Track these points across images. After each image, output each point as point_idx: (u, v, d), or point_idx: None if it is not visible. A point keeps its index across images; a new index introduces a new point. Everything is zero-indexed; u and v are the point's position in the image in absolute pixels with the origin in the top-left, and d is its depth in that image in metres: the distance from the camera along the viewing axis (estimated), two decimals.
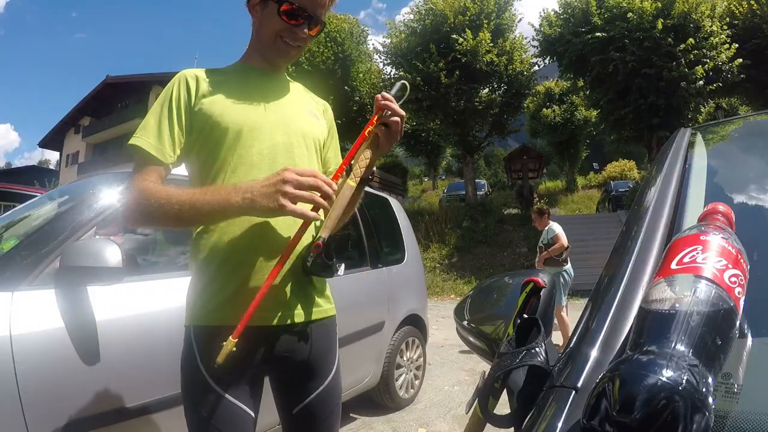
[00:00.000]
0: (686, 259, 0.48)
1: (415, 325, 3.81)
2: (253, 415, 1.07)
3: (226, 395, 1.03)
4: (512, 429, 0.59)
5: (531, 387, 0.57)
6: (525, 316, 0.68)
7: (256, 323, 1.05)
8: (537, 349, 0.56)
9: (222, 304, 1.05)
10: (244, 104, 1.13)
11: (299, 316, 1.11)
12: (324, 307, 1.18)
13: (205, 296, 1.07)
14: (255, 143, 1.10)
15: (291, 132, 1.15)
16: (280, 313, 1.08)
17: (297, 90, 1.29)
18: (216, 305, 1.06)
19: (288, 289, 1.09)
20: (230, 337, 0.94)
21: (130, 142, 1.09)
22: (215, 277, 1.06)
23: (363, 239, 3.33)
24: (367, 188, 1.25)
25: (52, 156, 46.00)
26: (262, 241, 1.07)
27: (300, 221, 1.03)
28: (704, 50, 12.82)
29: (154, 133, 1.08)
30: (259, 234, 1.07)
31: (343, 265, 1.08)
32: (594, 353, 0.53)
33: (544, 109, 25.38)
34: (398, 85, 1.15)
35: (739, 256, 0.49)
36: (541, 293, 0.72)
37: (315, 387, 1.14)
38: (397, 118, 1.09)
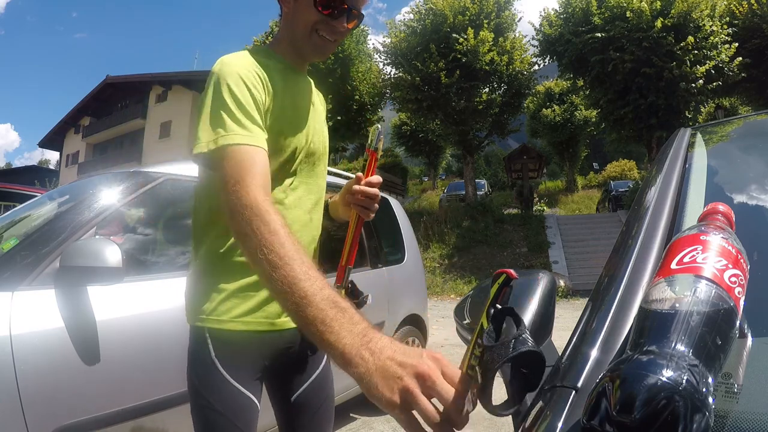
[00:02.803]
0: (686, 259, 0.48)
1: (415, 325, 3.81)
2: (259, 406, 1.10)
3: (241, 387, 1.05)
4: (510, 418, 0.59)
5: (528, 372, 0.57)
6: (498, 306, 0.67)
7: (269, 329, 1.08)
8: (524, 335, 0.56)
9: (249, 311, 1.06)
10: (300, 119, 1.12)
11: None
12: None
13: (230, 303, 1.06)
14: (305, 157, 1.13)
15: (321, 142, 1.18)
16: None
17: (315, 92, 1.24)
18: (241, 312, 1.06)
19: None
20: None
21: (221, 143, 0.87)
22: (242, 284, 1.06)
23: (363, 239, 3.33)
24: None
25: (52, 156, 46.04)
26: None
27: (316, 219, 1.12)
28: (704, 50, 12.81)
29: (248, 122, 0.90)
30: None
31: (370, 295, 1.12)
32: (594, 353, 0.53)
33: (544, 109, 25.38)
34: (377, 134, 1.14)
35: (739, 256, 0.49)
36: (512, 284, 0.72)
37: (309, 376, 1.19)
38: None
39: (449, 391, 0.57)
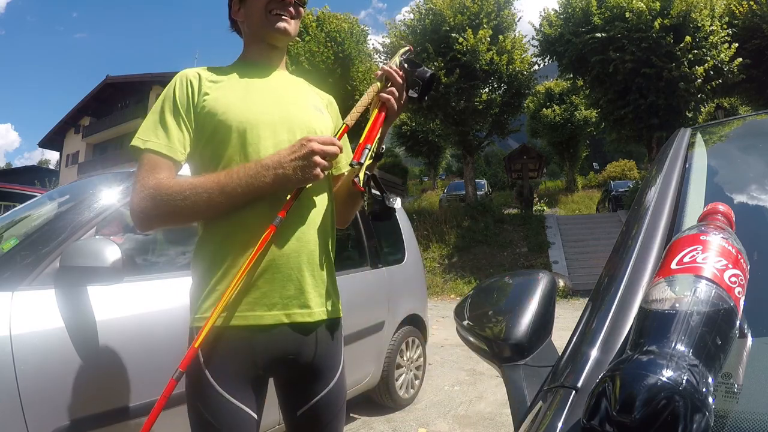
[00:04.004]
0: (686, 259, 0.48)
1: (415, 325, 3.81)
2: (255, 417, 1.06)
3: (229, 397, 1.02)
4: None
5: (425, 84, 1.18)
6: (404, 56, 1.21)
7: (267, 321, 1.04)
8: (424, 67, 1.18)
9: (226, 306, 1.04)
10: (247, 102, 1.11)
11: (309, 315, 1.09)
12: (335, 308, 1.16)
13: (210, 299, 1.06)
14: (260, 141, 1.09)
15: (295, 128, 1.13)
16: (291, 311, 1.07)
17: (300, 85, 1.28)
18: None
19: (301, 286, 1.08)
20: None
21: (136, 144, 1.07)
22: (221, 280, 1.05)
23: (363, 239, 3.33)
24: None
25: (52, 156, 46.05)
26: (268, 245, 1.06)
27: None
28: (704, 50, 12.80)
29: (161, 132, 1.06)
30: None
31: (398, 199, 1.19)
32: (594, 353, 0.53)
33: (544, 109, 25.37)
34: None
35: (739, 256, 0.49)
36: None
37: (320, 389, 1.13)
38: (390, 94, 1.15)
39: (328, 140, 1.04)
